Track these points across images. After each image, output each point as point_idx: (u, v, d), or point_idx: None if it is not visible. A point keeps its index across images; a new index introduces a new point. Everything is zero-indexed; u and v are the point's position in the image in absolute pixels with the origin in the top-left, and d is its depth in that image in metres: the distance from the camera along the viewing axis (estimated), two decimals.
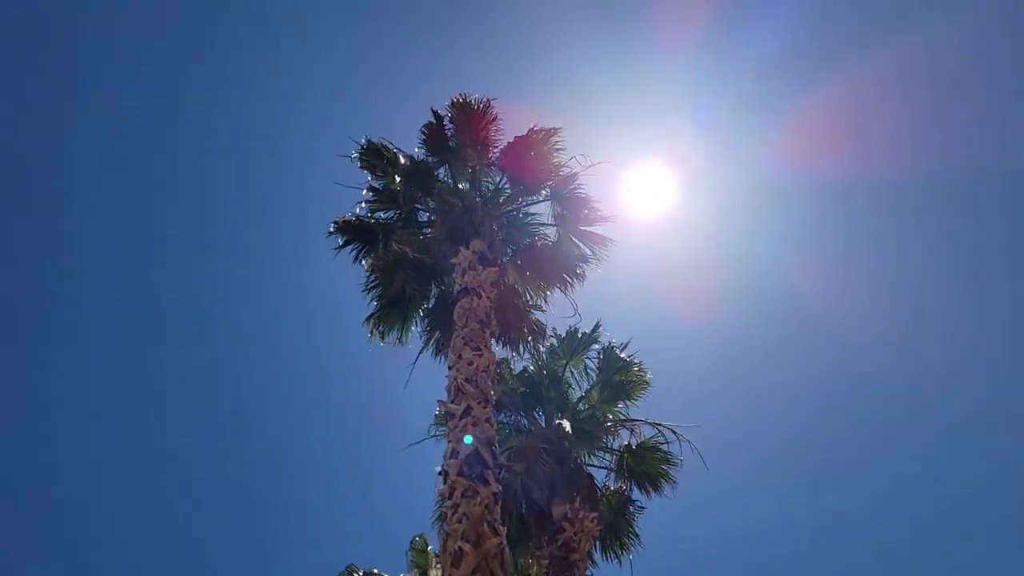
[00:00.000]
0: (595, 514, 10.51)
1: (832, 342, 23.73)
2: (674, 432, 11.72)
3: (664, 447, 11.77)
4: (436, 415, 12.12)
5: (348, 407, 25.40)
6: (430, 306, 11.53)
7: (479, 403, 7.66)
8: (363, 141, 11.64)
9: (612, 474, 11.87)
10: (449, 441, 7.33)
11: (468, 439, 6.85)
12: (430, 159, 11.67)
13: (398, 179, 11.63)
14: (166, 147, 26.14)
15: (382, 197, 11.70)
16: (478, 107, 11.07)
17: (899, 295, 23.28)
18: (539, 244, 11.91)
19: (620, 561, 11.46)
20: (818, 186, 21.29)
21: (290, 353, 26.38)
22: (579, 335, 12.37)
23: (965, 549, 22.36)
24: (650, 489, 11.64)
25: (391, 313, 11.42)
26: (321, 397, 27.10)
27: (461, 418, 7.45)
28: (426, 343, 11.29)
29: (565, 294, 11.76)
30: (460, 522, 6.28)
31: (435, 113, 11.23)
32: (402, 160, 11.70)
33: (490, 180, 11.93)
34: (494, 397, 8.23)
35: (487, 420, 7.51)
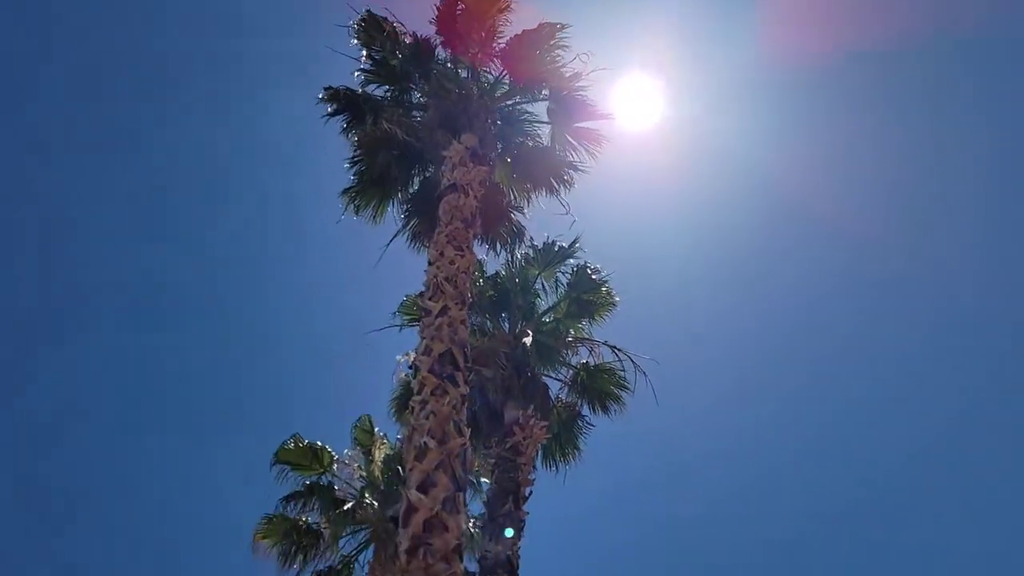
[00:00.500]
0: (545, 423, 11.03)
1: (831, 240, 24.13)
2: (632, 360, 12.20)
3: (620, 373, 12.29)
4: (402, 303, 12.36)
5: (318, 284, 25.58)
6: (412, 192, 11.53)
7: (456, 304, 7.85)
8: (363, 12, 11.25)
9: (566, 388, 12.39)
10: (423, 337, 7.54)
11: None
12: (433, 38, 11.38)
13: (398, 55, 11.35)
14: None
15: (378, 71, 11.44)
16: None
17: (897, 188, 23.51)
18: (531, 144, 11.87)
19: (558, 470, 12.15)
20: (806, 70, 21.05)
21: (263, 220, 26.01)
22: (556, 248, 12.57)
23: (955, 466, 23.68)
24: (600, 409, 12.22)
25: (370, 190, 11.41)
26: (291, 271, 27.11)
27: (437, 316, 7.64)
28: (403, 227, 11.37)
29: (557, 198, 11.80)
30: (427, 419, 6.58)
31: None
32: (402, 36, 11.38)
33: (489, 72, 11.72)
34: (470, 299, 8.44)
35: (462, 322, 7.72)
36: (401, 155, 11.30)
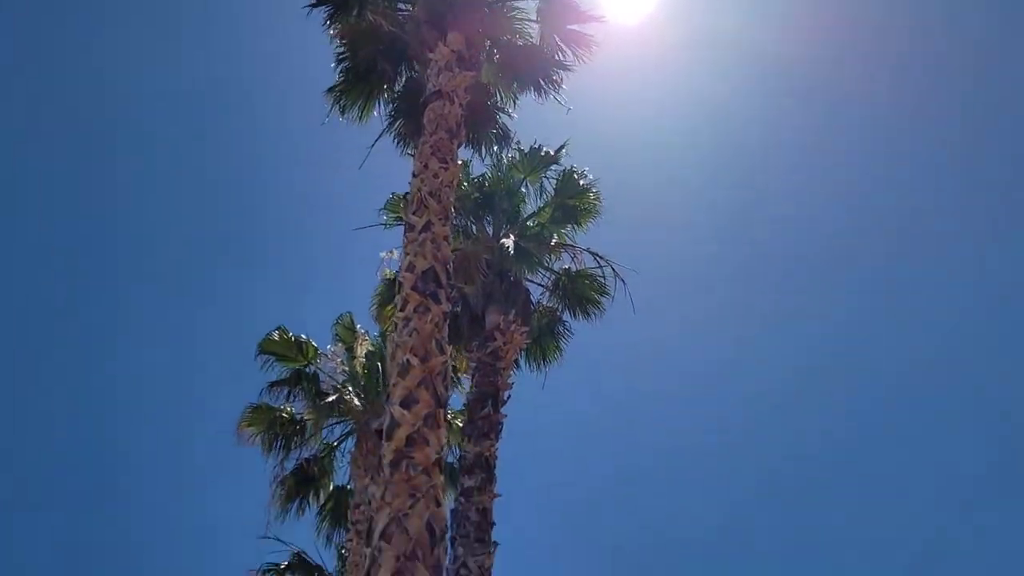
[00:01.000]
0: (526, 328, 11.57)
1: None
2: (613, 268, 12.64)
3: (600, 279, 12.76)
4: (388, 201, 12.61)
5: (305, 183, 25.59)
6: (398, 90, 11.51)
7: (440, 219, 8.10)
8: None
9: (548, 293, 12.88)
10: (406, 253, 7.83)
11: None
12: None
13: None
14: None
15: None
16: None
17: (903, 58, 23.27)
18: (519, 42, 11.75)
19: (541, 370, 12.85)
20: None
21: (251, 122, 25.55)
22: (542, 152, 12.71)
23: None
24: (581, 314, 12.77)
25: (356, 87, 11.38)
26: (277, 173, 26.98)
27: (421, 232, 7.91)
28: (388, 127, 11.44)
29: (548, 97, 11.82)
30: (410, 336, 6.98)
31: None
32: None
33: None
34: (454, 214, 8.70)
35: (445, 238, 7.99)
36: (387, 48, 11.18)
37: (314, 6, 11.09)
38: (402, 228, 12.10)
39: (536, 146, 12.69)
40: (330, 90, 11.29)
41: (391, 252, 12.65)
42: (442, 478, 6.30)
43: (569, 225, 13.01)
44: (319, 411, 13.52)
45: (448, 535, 7.25)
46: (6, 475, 24.35)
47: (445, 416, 6.79)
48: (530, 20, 11.56)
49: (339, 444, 13.96)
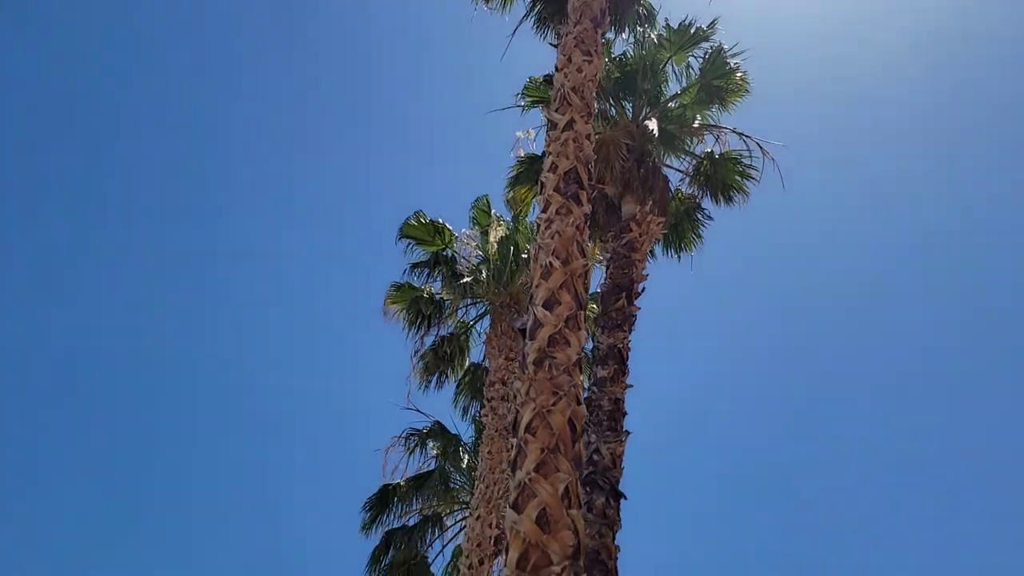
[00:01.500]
0: (663, 219, 11.69)
1: None
2: (760, 147, 12.42)
3: (746, 160, 12.56)
4: (526, 85, 12.75)
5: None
6: None
7: (583, 117, 8.25)
8: None
9: (688, 179, 12.83)
10: (549, 153, 8.09)
11: None
12: None
13: None
14: None
15: None
16: None
17: None
18: None
19: (680, 258, 13.04)
20: None
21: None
22: (692, 29, 12.30)
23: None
24: (722, 199, 12.68)
25: None
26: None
27: (563, 131, 8.12)
28: (528, 11, 11.47)
29: None
30: (552, 239, 7.36)
31: None
32: None
33: None
34: (596, 108, 8.79)
35: (587, 137, 8.16)
36: None
37: None
38: (538, 111, 12.46)
39: (687, 22, 12.28)
40: None
41: (528, 131, 12.94)
42: (582, 377, 6.84)
43: (715, 106, 12.71)
44: (455, 292, 14.44)
45: None
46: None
47: (585, 317, 7.24)
48: None
49: (475, 324, 14.93)
